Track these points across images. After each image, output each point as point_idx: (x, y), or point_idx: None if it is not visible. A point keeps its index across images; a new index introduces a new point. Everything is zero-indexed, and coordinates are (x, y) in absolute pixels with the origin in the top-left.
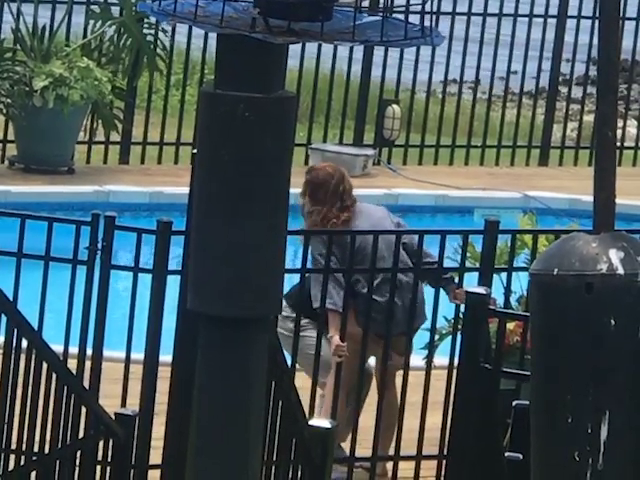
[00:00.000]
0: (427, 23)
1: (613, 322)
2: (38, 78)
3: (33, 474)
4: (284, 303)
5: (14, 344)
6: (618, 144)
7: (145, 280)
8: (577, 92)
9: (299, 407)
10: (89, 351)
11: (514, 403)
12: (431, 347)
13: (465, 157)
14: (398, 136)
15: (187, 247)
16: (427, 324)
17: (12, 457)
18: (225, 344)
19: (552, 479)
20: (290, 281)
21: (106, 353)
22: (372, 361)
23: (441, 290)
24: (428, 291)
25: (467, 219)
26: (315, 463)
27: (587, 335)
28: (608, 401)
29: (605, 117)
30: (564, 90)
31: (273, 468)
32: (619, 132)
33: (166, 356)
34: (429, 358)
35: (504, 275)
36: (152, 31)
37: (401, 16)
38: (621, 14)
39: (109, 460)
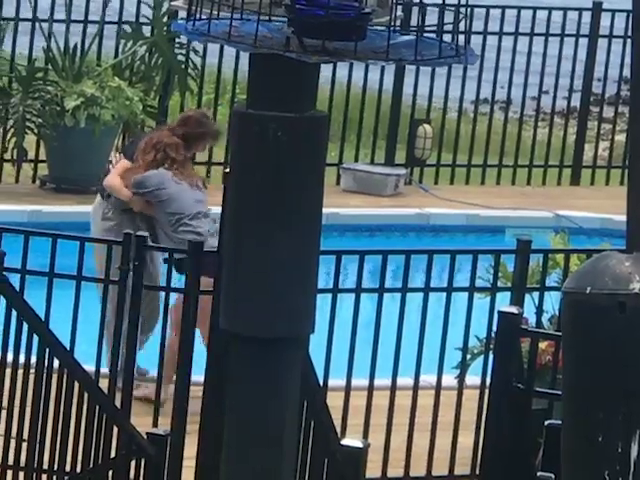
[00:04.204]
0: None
1: None
2: (69, 98)
3: None
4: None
5: (46, 364)
6: None
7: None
8: (609, 111)
9: (331, 427)
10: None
11: (546, 423)
12: (463, 366)
13: (497, 176)
14: (429, 156)
15: (219, 267)
16: (459, 343)
17: (44, 477)
18: (257, 364)
19: None
20: (322, 301)
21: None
22: None
23: (473, 310)
24: (460, 311)
25: (499, 239)
26: None
27: (619, 354)
28: (639, 420)
29: (638, 136)
30: (596, 109)
31: None
32: None
33: (198, 376)
34: (461, 377)
35: (536, 295)
36: (183, 51)
37: (434, 35)
38: None
39: None
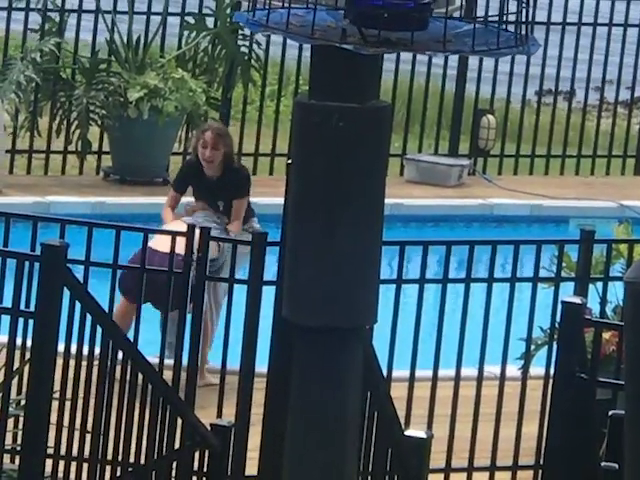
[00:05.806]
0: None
1: None
2: (133, 89)
3: None
4: None
5: (110, 355)
6: None
7: (240, 291)
8: None
9: (395, 417)
10: (185, 362)
11: (610, 413)
12: (527, 357)
13: (560, 167)
14: (493, 146)
15: (282, 258)
16: (523, 334)
17: (108, 468)
18: (320, 354)
19: None
20: (385, 292)
21: None
22: None
23: (537, 300)
24: (524, 301)
25: (562, 229)
26: (411, 474)
27: None
28: None
29: None
30: None
31: (369, 479)
32: None
33: (262, 367)
34: (525, 368)
35: (600, 285)
36: (246, 42)
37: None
38: None
39: (205, 471)
